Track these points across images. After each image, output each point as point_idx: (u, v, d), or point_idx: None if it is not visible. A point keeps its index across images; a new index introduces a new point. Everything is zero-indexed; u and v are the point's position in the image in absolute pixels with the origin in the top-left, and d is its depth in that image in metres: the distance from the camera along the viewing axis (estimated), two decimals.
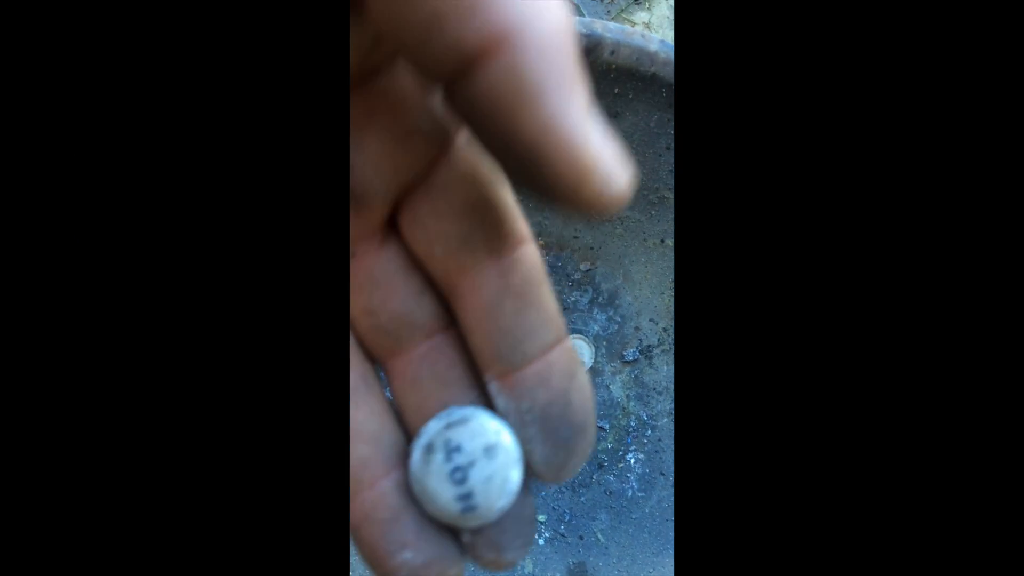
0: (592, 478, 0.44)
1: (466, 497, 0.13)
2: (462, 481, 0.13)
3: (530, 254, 0.13)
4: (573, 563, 0.42)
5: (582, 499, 0.44)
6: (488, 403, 0.14)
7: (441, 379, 0.14)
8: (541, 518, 0.43)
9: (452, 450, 0.13)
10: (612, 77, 0.36)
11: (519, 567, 0.42)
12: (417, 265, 0.14)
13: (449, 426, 0.13)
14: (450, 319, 0.14)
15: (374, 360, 0.14)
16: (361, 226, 0.13)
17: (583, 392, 0.13)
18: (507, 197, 0.13)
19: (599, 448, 0.45)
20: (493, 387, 0.13)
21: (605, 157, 0.10)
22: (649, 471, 0.44)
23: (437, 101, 0.12)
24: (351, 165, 0.12)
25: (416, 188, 0.13)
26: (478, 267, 0.13)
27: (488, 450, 0.13)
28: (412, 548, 0.13)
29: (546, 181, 0.10)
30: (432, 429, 0.13)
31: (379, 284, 0.13)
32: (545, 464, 0.13)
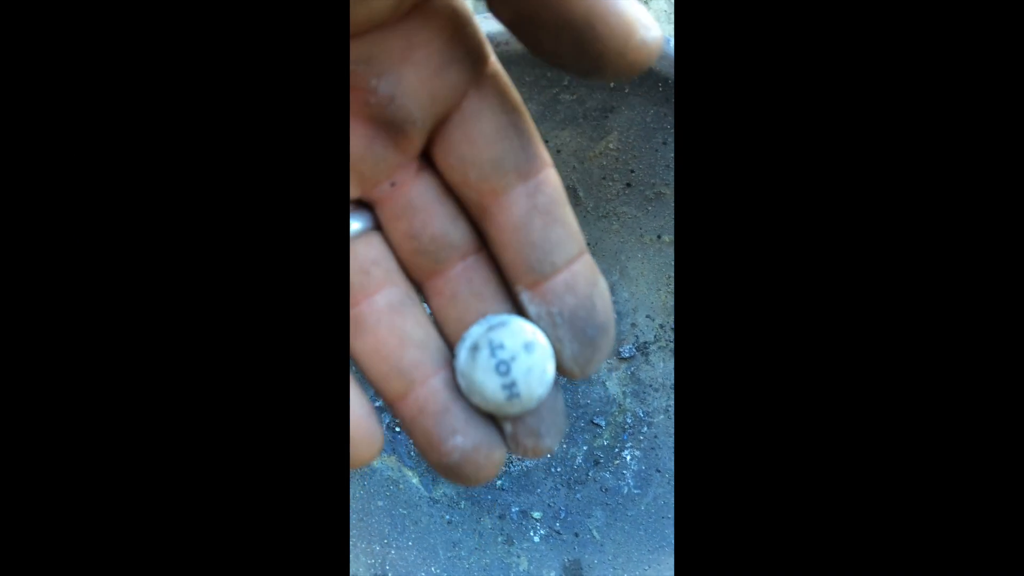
0: (588, 475, 0.44)
1: (510, 386, 0.14)
2: (506, 373, 0.14)
3: (552, 176, 0.15)
4: (568, 560, 0.42)
5: (578, 496, 0.44)
6: (521, 311, 0.15)
7: (478, 293, 0.15)
8: (536, 515, 0.43)
9: (496, 347, 0.14)
10: None
11: (514, 564, 0.42)
12: (451, 191, 0.15)
13: (491, 328, 0.15)
14: (481, 242, 0.15)
15: (414, 282, 0.16)
16: (400, 156, 0.14)
17: (604, 297, 0.15)
18: (530, 123, 0.14)
19: (595, 445, 0.45)
20: (525, 296, 0.15)
21: (642, 9, 0.12)
22: (645, 468, 0.44)
23: (471, 31, 0.14)
24: (393, 96, 0.13)
25: (450, 118, 0.14)
26: (508, 189, 0.14)
27: (527, 346, 0.14)
28: (462, 434, 0.15)
29: (599, 43, 0.12)
30: (475, 332, 0.15)
31: (418, 210, 0.15)
32: (573, 360, 0.15)
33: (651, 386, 0.45)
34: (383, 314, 0.15)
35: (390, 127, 0.14)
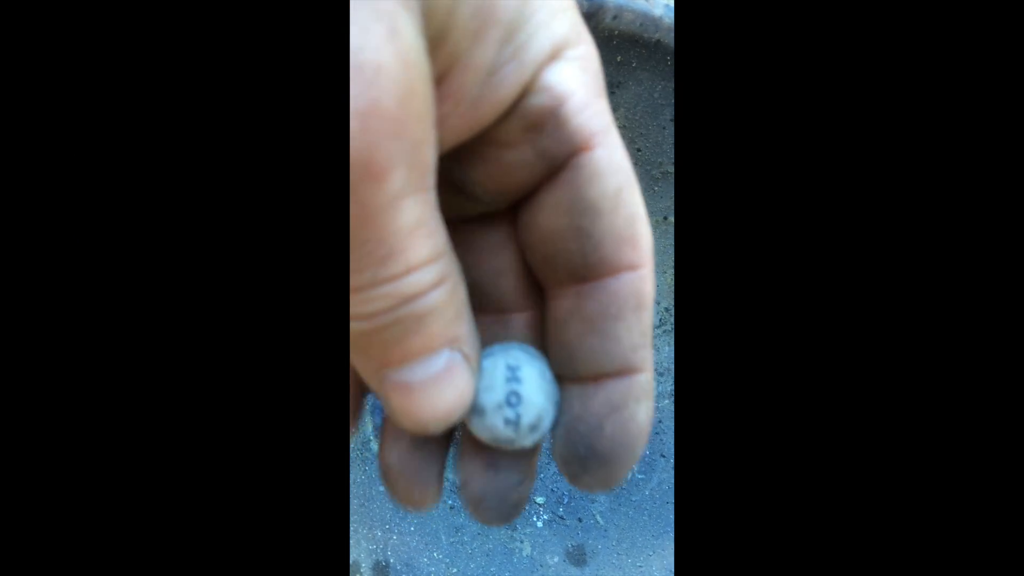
0: None
1: (515, 405, 0.14)
2: (515, 397, 0.14)
3: (622, 284, 0.13)
4: (572, 546, 0.41)
5: None
6: None
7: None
8: (539, 500, 0.43)
9: (513, 367, 0.14)
10: (614, 44, 0.34)
11: (518, 549, 0.41)
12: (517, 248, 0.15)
13: (512, 351, 0.14)
14: (527, 303, 0.15)
15: None
16: (470, 209, 0.14)
17: (623, 428, 0.13)
18: (605, 225, 0.13)
19: None
20: None
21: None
22: (649, 453, 0.43)
23: (559, 130, 0.13)
24: (464, 182, 0.13)
25: (529, 200, 0.13)
26: (559, 285, 0.14)
27: (541, 374, 0.14)
28: (397, 450, 0.14)
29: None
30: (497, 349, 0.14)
31: (470, 251, 0.14)
32: (563, 462, 0.14)
33: (655, 371, 0.45)
34: None
35: (467, 195, 0.14)
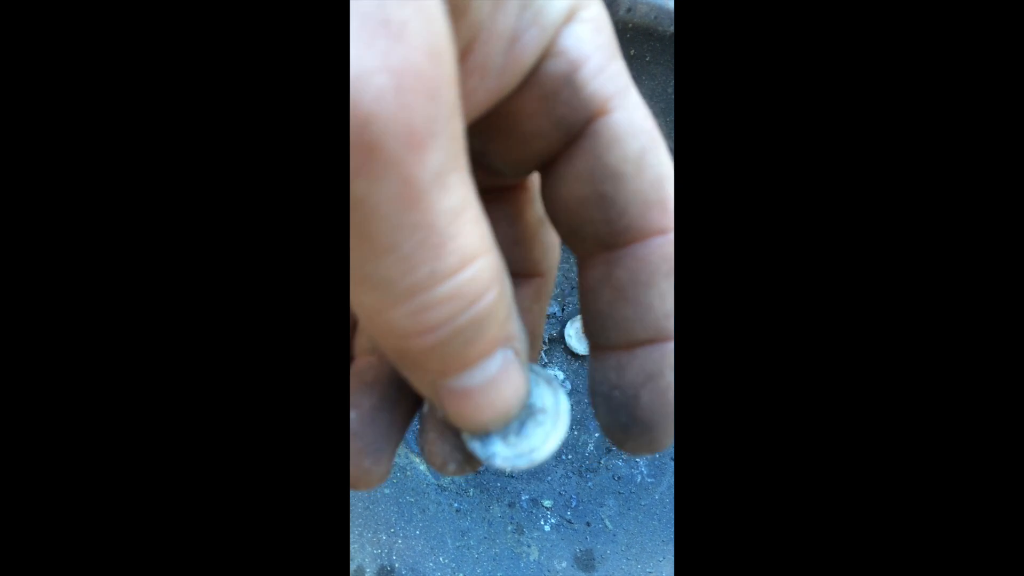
0: (600, 462, 0.43)
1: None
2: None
3: (652, 249, 0.13)
4: (580, 550, 0.41)
5: (589, 484, 0.42)
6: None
7: None
8: (547, 503, 0.42)
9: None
10: (628, 37, 0.33)
11: (525, 553, 0.41)
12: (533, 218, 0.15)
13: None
14: (539, 270, 0.15)
15: None
16: (489, 182, 0.14)
17: (660, 397, 0.13)
18: (639, 189, 0.12)
19: None
20: (591, 355, 0.14)
21: None
22: (659, 456, 0.43)
23: (571, 98, 0.12)
24: (484, 153, 0.13)
25: (553, 168, 0.13)
26: (590, 254, 0.13)
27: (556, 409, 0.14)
28: (358, 411, 0.13)
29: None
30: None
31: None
32: (606, 429, 0.14)
33: None
34: None
35: (485, 167, 0.14)
